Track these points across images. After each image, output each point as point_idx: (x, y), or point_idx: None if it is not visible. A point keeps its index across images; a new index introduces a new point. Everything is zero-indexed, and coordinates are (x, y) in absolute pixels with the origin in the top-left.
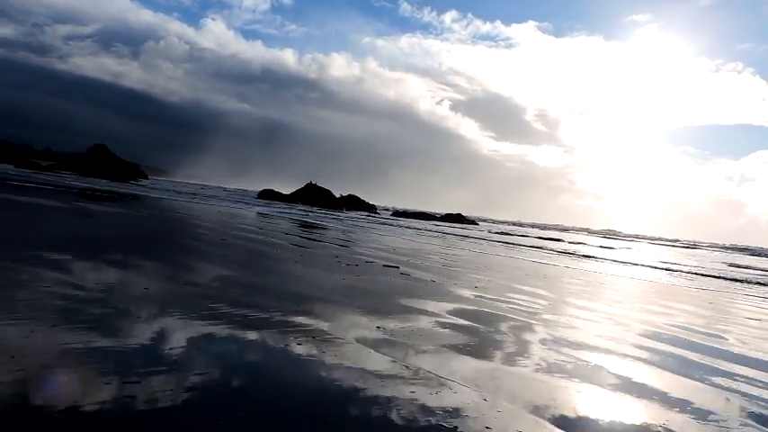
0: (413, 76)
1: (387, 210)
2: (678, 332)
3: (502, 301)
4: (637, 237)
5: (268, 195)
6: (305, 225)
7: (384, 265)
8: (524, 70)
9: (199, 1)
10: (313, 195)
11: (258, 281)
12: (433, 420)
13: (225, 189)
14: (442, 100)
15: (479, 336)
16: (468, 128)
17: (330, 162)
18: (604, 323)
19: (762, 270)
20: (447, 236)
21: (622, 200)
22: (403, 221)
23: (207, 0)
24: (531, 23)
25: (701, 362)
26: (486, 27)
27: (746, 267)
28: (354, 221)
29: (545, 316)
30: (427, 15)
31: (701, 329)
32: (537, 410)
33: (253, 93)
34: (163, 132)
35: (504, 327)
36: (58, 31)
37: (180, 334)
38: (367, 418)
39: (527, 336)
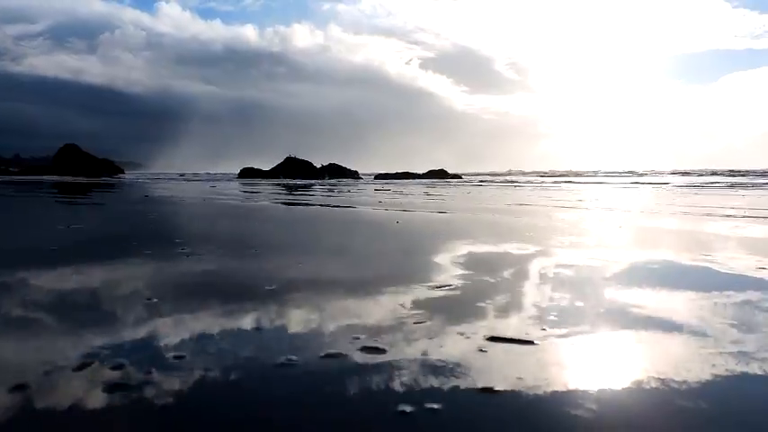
0: (378, 37)
1: (369, 175)
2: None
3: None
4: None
5: (248, 174)
6: (291, 188)
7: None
8: (490, 20)
9: None
10: (294, 168)
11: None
12: None
13: (203, 174)
14: (410, 59)
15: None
16: (440, 85)
17: (309, 135)
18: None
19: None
20: (429, 187)
21: (601, 138)
22: (385, 182)
23: None
24: None
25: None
26: None
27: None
28: (336, 185)
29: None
30: None
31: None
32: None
33: (218, 74)
34: (133, 125)
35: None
36: (7, 31)
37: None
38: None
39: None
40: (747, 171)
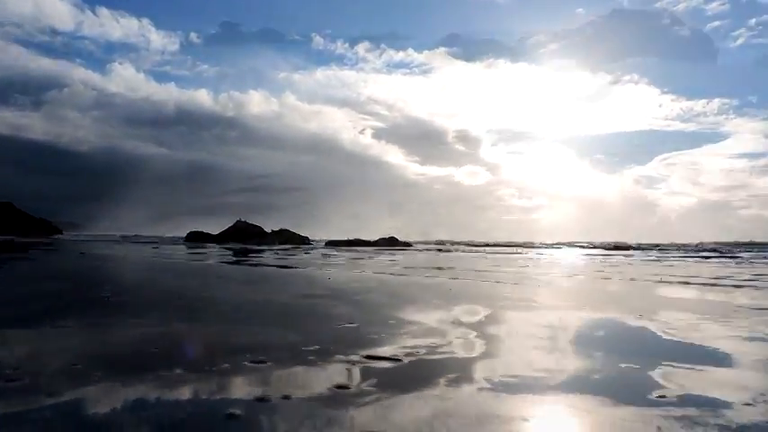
0: (332, 107)
1: (320, 241)
2: None
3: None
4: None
5: (196, 237)
6: (237, 252)
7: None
8: (441, 94)
9: (103, 46)
10: (243, 233)
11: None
12: None
13: (147, 236)
14: (363, 129)
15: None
16: (392, 154)
17: (260, 199)
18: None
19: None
20: (378, 254)
21: (546, 211)
22: (335, 248)
23: (111, 44)
24: (442, 50)
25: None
26: (399, 55)
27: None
28: (285, 250)
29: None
30: (340, 48)
31: None
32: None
33: (170, 136)
34: (76, 185)
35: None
36: None
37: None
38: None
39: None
40: (669, 245)
